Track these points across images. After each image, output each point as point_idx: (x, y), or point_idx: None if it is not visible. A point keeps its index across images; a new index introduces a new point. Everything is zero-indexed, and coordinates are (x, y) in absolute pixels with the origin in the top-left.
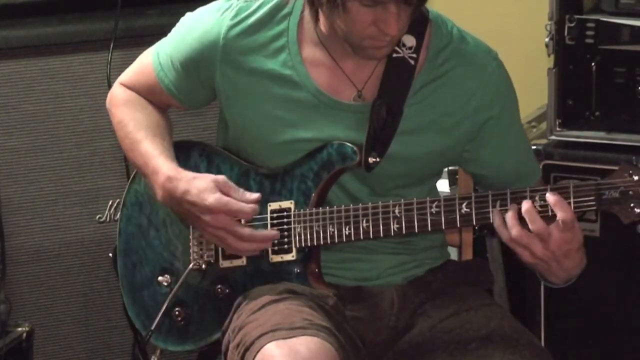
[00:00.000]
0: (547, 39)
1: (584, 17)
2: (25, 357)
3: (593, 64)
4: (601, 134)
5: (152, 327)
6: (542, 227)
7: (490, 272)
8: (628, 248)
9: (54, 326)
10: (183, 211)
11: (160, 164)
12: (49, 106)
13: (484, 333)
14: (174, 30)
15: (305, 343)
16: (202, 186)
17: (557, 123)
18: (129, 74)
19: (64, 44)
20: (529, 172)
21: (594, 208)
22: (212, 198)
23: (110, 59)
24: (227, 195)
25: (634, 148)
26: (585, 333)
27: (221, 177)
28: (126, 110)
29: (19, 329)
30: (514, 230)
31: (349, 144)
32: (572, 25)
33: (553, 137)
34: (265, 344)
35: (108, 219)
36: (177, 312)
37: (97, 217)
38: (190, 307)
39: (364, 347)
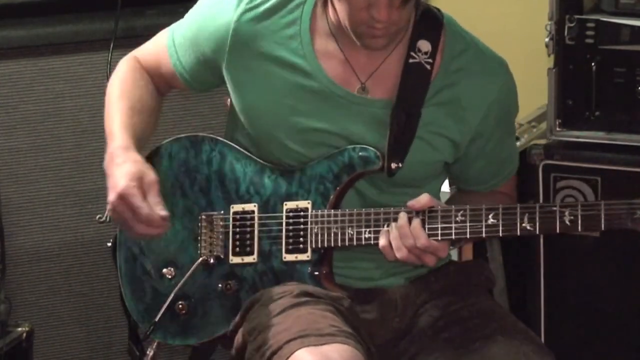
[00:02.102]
0: (547, 39)
1: (584, 17)
2: (25, 357)
3: (593, 64)
4: (601, 134)
5: (156, 319)
6: (426, 242)
7: (491, 272)
8: (628, 248)
9: (54, 326)
10: (107, 181)
11: (116, 131)
12: (49, 106)
13: (487, 333)
14: (191, 10)
15: (337, 350)
16: (129, 170)
17: (557, 123)
18: (143, 48)
19: (64, 44)
20: (502, 173)
21: (625, 227)
22: (124, 183)
23: (110, 59)
24: (145, 193)
25: (634, 148)
26: (585, 333)
27: (152, 177)
28: (123, 77)
29: (19, 329)
30: (400, 252)
31: (371, 148)
32: (572, 25)
33: (553, 137)
34: (296, 350)
35: (108, 219)
36: (180, 306)
37: (97, 217)
38: (194, 302)
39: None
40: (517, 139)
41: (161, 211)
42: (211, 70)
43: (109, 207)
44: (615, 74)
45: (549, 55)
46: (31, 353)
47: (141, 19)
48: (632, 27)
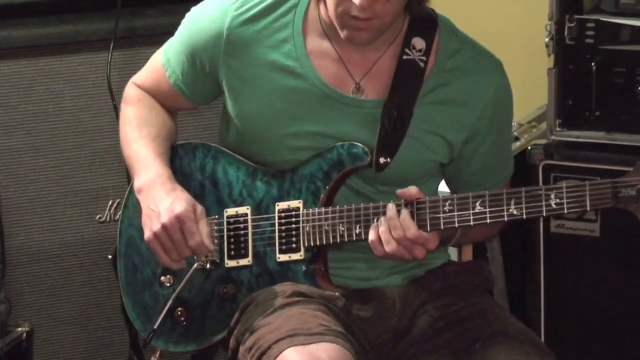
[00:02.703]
0: (547, 39)
1: (584, 17)
2: (25, 357)
3: (593, 64)
4: (601, 134)
5: (155, 327)
6: (416, 233)
7: (491, 272)
8: (628, 248)
9: (54, 326)
10: (148, 205)
11: (150, 160)
12: (49, 106)
13: (488, 333)
14: (180, 25)
15: (325, 350)
16: (184, 197)
17: (557, 123)
18: (141, 73)
19: (64, 44)
20: (497, 177)
21: (610, 206)
22: (184, 206)
23: (110, 59)
24: (197, 221)
25: (634, 148)
26: (585, 333)
27: (202, 207)
28: (133, 108)
29: (19, 329)
30: (389, 246)
31: (359, 144)
32: (572, 25)
33: (553, 137)
34: (284, 349)
35: (108, 219)
36: (179, 312)
37: (97, 217)
38: (193, 307)
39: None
40: (517, 139)
41: (210, 244)
42: (209, 80)
43: (156, 228)
44: (615, 74)
45: (549, 55)
46: (31, 353)
47: (141, 19)
48: (632, 27)
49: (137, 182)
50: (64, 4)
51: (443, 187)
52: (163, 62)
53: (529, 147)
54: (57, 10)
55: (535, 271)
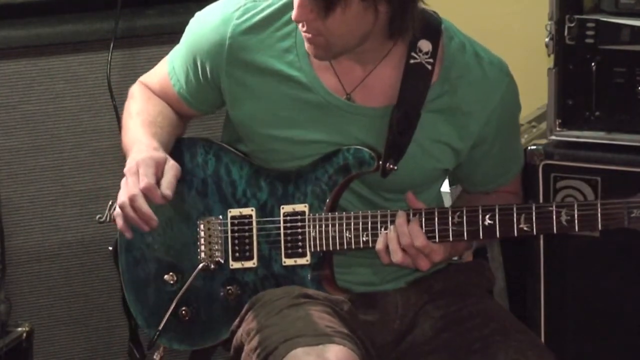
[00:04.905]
0: (547, 39)
1: (584, 17)
2: (25, 357)
3: (593, 64)
4: (601, 134)
5: (160, 327)
6: (424, 242)
7: (491, 272)
8: (628, 248)
9: (54, 326)
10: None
11: (141, 137)
12: (49, 106)
13: (487, 333)
14: (184, 33)
15: (333, 351)
16: (154, 153)
17: (557, 123)
18: (149, 75)
19: (64, 44)
20: (508, 172)
21: (622, 227)
22: (145, 155)
23: (110, 59)
24: (162, 174)
25: (634, 148)
26: (585, 333)
27: (175, 163)
28: (133, 101)
29: (19, 329)
30: (396, 256)
31: (366, 149)
32: (572, 25)
33: (553, 137)
34: (292, 350)
35: (108, 219)
36: (183, 312)
37: (97, 217)
38: (197, 307)
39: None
40: None
41: (166, 190)
42: (212, 89)
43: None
44: (615, 74)
45: (549, 55)
46: (31, 353)
47: (141, 19)
48: (632, 27)
49: (128, 161)
50: (64, 4)
51: (443, 187)
52: (169, 70)
53: (529, 147)
54: (57, 10)
55: (535, 271)
